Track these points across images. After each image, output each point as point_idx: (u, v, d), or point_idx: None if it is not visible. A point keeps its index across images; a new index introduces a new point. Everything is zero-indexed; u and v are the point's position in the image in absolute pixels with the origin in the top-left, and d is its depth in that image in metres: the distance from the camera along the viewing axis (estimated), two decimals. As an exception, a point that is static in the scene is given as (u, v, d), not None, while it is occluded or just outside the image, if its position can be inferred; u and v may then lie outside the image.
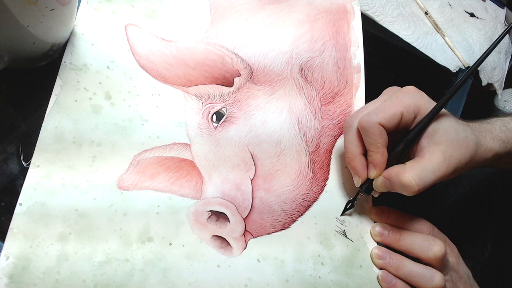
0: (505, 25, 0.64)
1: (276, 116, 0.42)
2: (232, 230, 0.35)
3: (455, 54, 0.54)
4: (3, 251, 0.28)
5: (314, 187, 0.41)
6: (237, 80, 0.42)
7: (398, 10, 0.54)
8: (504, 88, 0.60)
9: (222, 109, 0.41)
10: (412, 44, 0.53)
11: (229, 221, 0.36)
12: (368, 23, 0.52)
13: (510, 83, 0.62)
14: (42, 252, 0.29)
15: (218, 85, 0.41)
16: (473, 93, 0.55)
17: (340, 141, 0.44)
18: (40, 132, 0.34)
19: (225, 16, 0.46)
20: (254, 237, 0.36)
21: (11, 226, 0.30)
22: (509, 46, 0.63)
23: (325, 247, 0.39)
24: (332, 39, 0.48)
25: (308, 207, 0.40)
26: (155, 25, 0.42)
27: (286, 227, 0.38)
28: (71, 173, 0.33)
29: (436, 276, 0.37)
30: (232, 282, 0.33)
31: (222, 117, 0.40)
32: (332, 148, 0.43)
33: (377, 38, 0.52)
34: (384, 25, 0.53)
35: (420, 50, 0.53)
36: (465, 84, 0.53)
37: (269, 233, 0.37)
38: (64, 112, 0.35)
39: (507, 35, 0.60)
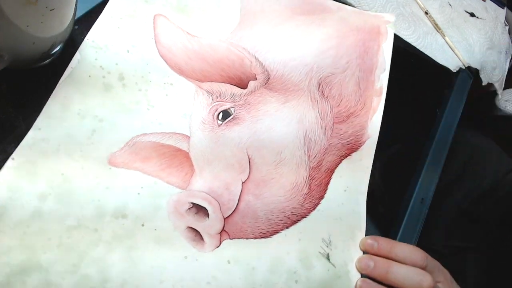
0: (505, 25, 0.64)
1: (283, 125, 0.43)
2: (209, 226, 0.36)
3: (455, 54, 0.54)
4: (-16, 197, 0.31)
5: (307, 203, 0.41)
6: (251, 84, 0.44)
7: (398, 10, 0.55)
8: (504, 88, 0.59)
9: (230, 109, 0.42)
10: (412, 44, 0.53)
11: (208, 217, 0.37)
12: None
13: (511, 83, 0.60)
14: (19, 205, 0.32)
15: (231, 85, 0.43)
16: (474, 93, 0.55)
17: (345, 162, 0.44)
18: (49, 98, 0.37)
19: (254, 20, 0.47)
20: (230, 238, 0.37)
21: (-3, 177, 0.32)
22: (509, 46, 0.63)
23: (303, 266, 0.38)
24: (358, 58, 0.48)
25: (295, 221, 0.40)
26: (184, 19, 0.44)
27: (267, 236, 0.38)
28: (68, 140, 0.36)
29: None
30: (195, 276, 0.34)
31: (229, 117, 0.41)
32: (335, 168, 0.43)
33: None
34: None
35: (420, 50, 0.53)
36: (465, 84, 0.53)
37: (247, 238, 0.38)
38: (75, 85, 0.38)
39: (507, 35, 0.60)
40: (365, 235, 0.41)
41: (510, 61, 0.62)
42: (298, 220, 0.40)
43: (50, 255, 0.31)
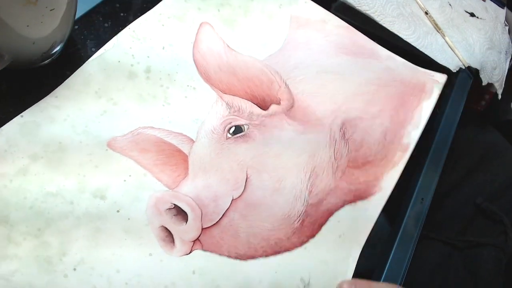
0: (505, 25, 0.62)
1: (293, 156, 0.42)
2: (184, 231, 0.36)
3: (455, 54, 0.52)
4: (-18, 142, 0.33)
5: (295, 238, 0.39)
6: (273, 107, 0.43)
7: (398, 10, 0.54)
8: (504, 88, 0.58)
9: (244, 125, 0.42)
10: (413, 44, 0.53)
11: (186, 222, 0.36)
12: (368, 23, 0.52)
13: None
14: (10, 159, 0.34)
15: (253, 103, 0.43)
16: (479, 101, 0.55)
17: (348, 208, 0.42)
18: (75, 72, 0.39)
19: (296, 49, 0.48)
20: (202, 249, 0.36)
21: (2, 127, 0.35)
22: (509, 46, 0.61)
23: (272, 300, 0.37)
24: (392, 110, 0.46)
25: (277, 252, 0.38)
26: (228, 32, 0.46)
27: (243, 259, 0.37)
28: (78, 114, 0.38)
29: None
30: (154, 276, 0.34)
31: (240, 133, 0.41)
32: (336, 211, 0.41)
33: (377, 38, 0.52)
34: (384, 25, 0.53)
35: (421, 50, 0.53)
36: (465, 84, 0.53)
37: (221, 255, 0.37)
38: (103, 65, 0.40)
39: (507, 35, 0.60)
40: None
41: (510, 61, 0.61)
42: (279, 252, 0.38)
43: (20, 214, 0.32)
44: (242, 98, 0.43)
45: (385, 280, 0.40)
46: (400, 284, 0.39)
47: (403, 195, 0.46)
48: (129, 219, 0.35)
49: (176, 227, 0.36)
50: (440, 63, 0.53)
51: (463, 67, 0.54)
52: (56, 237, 0.32)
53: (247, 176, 0.40)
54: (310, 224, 0.40)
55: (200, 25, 0.46)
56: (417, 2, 0.56)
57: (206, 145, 0.40)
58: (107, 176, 0.36)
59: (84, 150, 0.36)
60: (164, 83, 0.41)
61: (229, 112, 0.42)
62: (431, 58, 0.53)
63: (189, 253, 0.36)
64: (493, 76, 0.57)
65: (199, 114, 0.41)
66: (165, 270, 0.34)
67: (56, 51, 0.38)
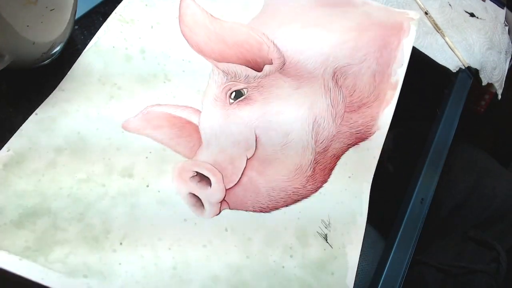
0: (505, 25, 0.64)
1: (293, 110, 0.46)
2: (210, 194, 0.40)
3: (455, 54, 0.55)
4: (7, 144, 0.36)
5: (309, 185, 0.43)
6: (267, 67, 0.47)
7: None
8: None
9: (243, 89, 0.45)
10: (412, 44, 0.54)
11: (210, 186, 0.40)
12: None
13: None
14: (37, 155, 0.36)
15: (247, 67, 0.46)
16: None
17: (352, 150, 0.46)
18: (74, 64, 0.41)
19: (277, 8, 0.51)
20: (230, 208, 0.40)
21: (21, 127, 0.37)
22: (509, 46, 0.63)
23: (300, 243, 0.41)
24: (377, 52, 0.50)
25: (296, 200, 0.43)
26: (209, 3, 0.48)
27: (266, 211, 0.41)
28: (87, 103, 0.40)
29: None
30: (192, 238, 0.37)
31: (241, 97, 0.45)
32: (342, 154, 0.45)
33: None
34: None
35: (420, 50, 0.55)
36: (465, 84, 0.54)
37: (247, 210, 0.41)
38: (99, 53, 0.42)
39: (507, 35, 0.61)
40: (366, 223, 0.43)
41: (510, 61, 0.63)
42: (298, 200, 0.42)
43: (60, 203, 0.35)
44: (236, 63, 0.46)
45: (385, 280, 0.41)
46: None
47: (403, 195, 0.48)
48: (159, 191, 0.38)
49: (203, 192, 0.39)
50: (440, 63, 0.55)
51: (463, 67, 0.56)
52: (97, 218, 0.36)
53: (256, 136, 0.43)
54: (320, 170, 0.44)
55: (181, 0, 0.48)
56: (417, 2, 0.58)
57: (213, 113, 0.43)
58: (129, 156, 0.39)
59: (102, 135, 0.39)
60: (161, 61, 0.44)
61: (227, 79, 0.45)
62: (431, 58, 0.55)
63: (219, 214, 0.39)
64: (493, 76, 0.59)
65: (199, 85, 0.44)
66: (200, 231, 0.38)
67: (56, 51, 0.40)
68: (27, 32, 0.33)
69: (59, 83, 0.40)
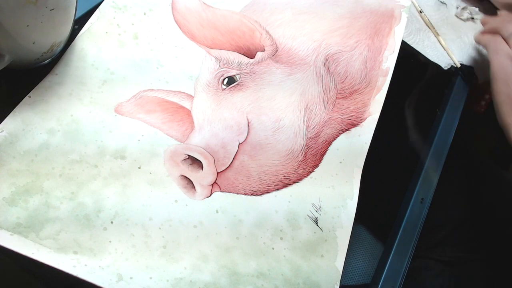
0: None
1: (286, 96, 0.47)
2: (202, 177, 0.41)
3: (447, 53, 0.56)
4: (0, 125, 0.37)
5: (300, 170, 0.45)
6: (259, 54, 0.48)
7: None
8: None
9: (236, 75, 0.46)
10: (404, 40, 0.55)
11: (202, 169, 0.41)
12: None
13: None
14: (30, 136, 0.37)
15: (239, 54, 0.47)
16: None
17: (344, 136, 0.47)
18: (69, 48, 0.43)
19: (269, -4, 0.52)
20: (221, 191, 0.41)
21: (14, 110, 0.38)
22: None
23: (290, 225, 0.42)
24: (368, 39, 0.51)
25: (287, 185, 0.44)
26: (201, -11, 0.50)
27: (258, 195, 0.42)
28: (81, 87, 0.41)
29: None
30: (182, 219, 0.39)
31: (233, 83, 0.46)
32: (333, 140, 0.47)
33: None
34: None
35: (412, 45, 0.56)
36: (465, 84, 0.55)
37: (238, 193, 0.42)
38: (93, 39, 0.44)
39: None
40: (355, 211, 0.44)
41: None
42: (289, 184, 0.44)
43: (52, 182, 0.37)
44: (229, 50, 0.48)
45: (385, 280, 0.42)
46: None
47: (403, 195, 0.49)
48: (150, 173, 0.39)
49: (194, 174, 0.41)
50: (431, 59, 0.56)
51: (454, 65, 0.57)
52: (89, 197, 0.37)
53: (248, 121, 0.45)
54: (312, 155, 0.46)
55: (174, -14, 0.49)
56: (412, 2, 0.59)
57: (205, 98, 0.45)
58: (122, 138, 0.40)
59: (95, 118, 0.40)
60: (154, 47, 0.46)
61: (219, 66, 0.47)
62: (431, 58, 0.56)
63: (210, 196, 0.41)
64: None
65: (192, 71, 0.46)
66: (191, 213, 0.39)
67: (56, 51, 0.40)
68: (27, 32, 0.34)
69: None
